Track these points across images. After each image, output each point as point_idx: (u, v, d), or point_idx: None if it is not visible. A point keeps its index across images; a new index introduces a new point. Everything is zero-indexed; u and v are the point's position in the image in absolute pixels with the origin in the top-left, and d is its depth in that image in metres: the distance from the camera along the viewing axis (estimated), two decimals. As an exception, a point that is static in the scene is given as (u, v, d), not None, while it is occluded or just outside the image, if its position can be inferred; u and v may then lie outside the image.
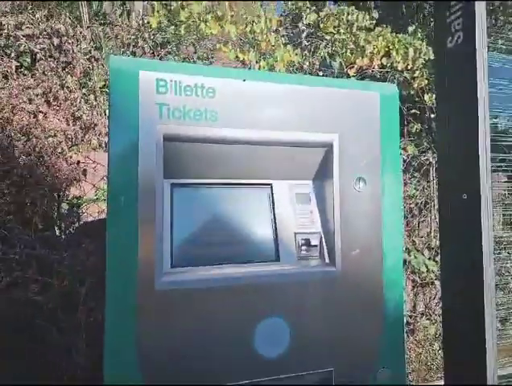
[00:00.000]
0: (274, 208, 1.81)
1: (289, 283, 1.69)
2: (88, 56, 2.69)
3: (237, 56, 4.37)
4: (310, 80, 1.89)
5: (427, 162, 3.65)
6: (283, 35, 5.30)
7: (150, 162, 1.53)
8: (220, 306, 1.60)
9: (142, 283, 1.50)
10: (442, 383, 2.10)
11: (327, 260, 1.79)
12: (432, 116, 4.45)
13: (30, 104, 2.24)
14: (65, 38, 2.39)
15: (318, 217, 1.84)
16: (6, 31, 2.31)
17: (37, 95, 2.23)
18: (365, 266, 1.79)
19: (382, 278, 1.81)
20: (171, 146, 1.58)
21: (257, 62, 4.19)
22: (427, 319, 3.63)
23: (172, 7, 4.49)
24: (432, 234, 3.71)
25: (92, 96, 2.71)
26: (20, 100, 2.24)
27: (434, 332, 3.56)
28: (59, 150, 2.30)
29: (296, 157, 1.79)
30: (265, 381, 1.63)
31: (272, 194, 1.83)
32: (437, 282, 3.60)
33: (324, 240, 1.81)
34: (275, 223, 1.79)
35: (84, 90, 2.86)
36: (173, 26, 4.47)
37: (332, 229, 1.77)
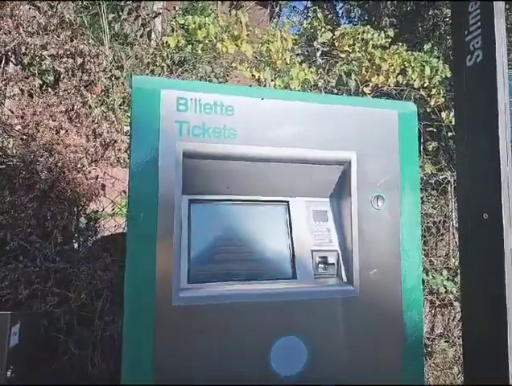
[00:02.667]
0: (290, 225, 1.80)
1: (306, 301, 1.67)
2: (108, 75, 2.78)
3: (252, 74, 4.45)
4: (328, 99, 1.91)
5: (445, 181, 3.60)
6: (298, 54, 5.40)
7: (169, 178, 1.55)
8: (236, 323, 1.58)
9: (159, 298, 1.50)
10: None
11: (344, 279, 1.76)
12: (450, 134, 4.41)
13: (53, 121, 2.32)
14: (88, 57, 2.48)
15: (335, 235, 1.83)
16: (32, 51, 2.42)
17: (60, 112, 2.31)
18: (383, 286, 1.75)
19: (401, 298, 1.77)
20: (190, 163, 1.60)
21: (272, 80, 4.25)
22: (446, 342, 3.50)
23: (190, 27, 4.64)
24: (451, 254, 3.63)
25: (111, 114, 2.79)
26: (43, 117, 2.32)
27: (453, 355, 3.43)
28: (80, 166, 2.36)
29: (314, 174, 1.79)
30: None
31: (289, 211, 1.83)
32: (456, 303, 3.49)
33: (341, 258, 1.79)
34: (292, 240, 1.78)
35: (103, 107, 2.95)
36: (190, 46, 4.60)
37: (350, 247, 1.75)
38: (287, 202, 1.83)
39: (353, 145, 1.78)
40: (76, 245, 2.65)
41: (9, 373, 1.38)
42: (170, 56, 4.31)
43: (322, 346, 1.66)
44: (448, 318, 3.54)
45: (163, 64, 4.05)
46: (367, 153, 1.79)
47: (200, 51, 4.56)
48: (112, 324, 2.37)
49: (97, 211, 2.86)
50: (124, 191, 2.85)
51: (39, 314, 2.05)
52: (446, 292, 3.45)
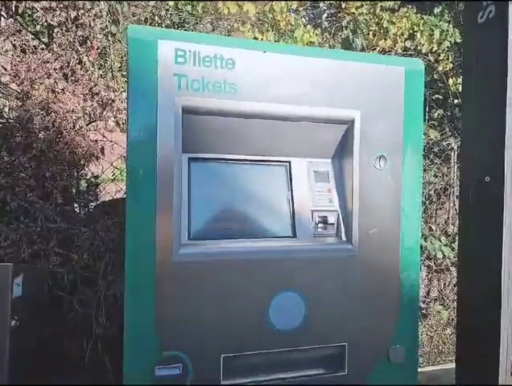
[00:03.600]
0: (291, 186, 1.79)
1: (305, 259, 1.69)
2: (104, 32, 2.67)
3: (255, 37, 4.29)
4: (332, 54, 1.83)
5: (449, 148, 3.55)
6: (303, 16, 5.17)
7: (168, 134, 1.52)
8: (236, 279, 1.61)
9: (160, 254, 1.51)
10: (453, 365, 2.09)
11: (344, 239, 1.77)
12: (456, 101, 4.31)
13: (48, 78, 2.25)
14: (82, 11, 2.37)
15: (336, 195, 1.82)
16: (23, 3, 2.30)
17: (55, 69, 2.23)
18: (382, 245, 1.77)
19: (399, 258, 1.79)
20: (190, 119, 1.57)
21: (275, 42, 4.10)
22: (441, 305, 3.59)
23: (190, -15, 4.41)
24: (450, 221, 3.64)
25: (109, 72, 2.70)
26: (38, 75, 2.25)
27: (447, 317, 3.53)
28: (78, 127, 2.32)
29: (316, 134, 1.75)
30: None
31: (290, 171, 1.80)
32: (453, 268, 3.54)
33: (341, 218, 1.79)
34: (293, 200, 1.77)
35: (101, 71, 2.85)
36: (190, 6, 4.39)
37: (350, 208, 1.74)
38: (289, 162, 1.81)
39: (357, 104, 1.73)
40: (76, 208, 2.65)
41: (13, 322, 1.41)
42: (169, 16, 4.14)
43: (320, 302, 1.69)
44: (444, 283, 3.61)
45: (162, 24, 3.89)
46: (371, 112, 1.74)
47: (200, 11, 4.36)
48: (115, 284, 2.41)
49: (97, 175, 2.84)
50: (123, 156, 2.82)
51: (42, 269, 2.09)
52: (443, 257, 3.49)
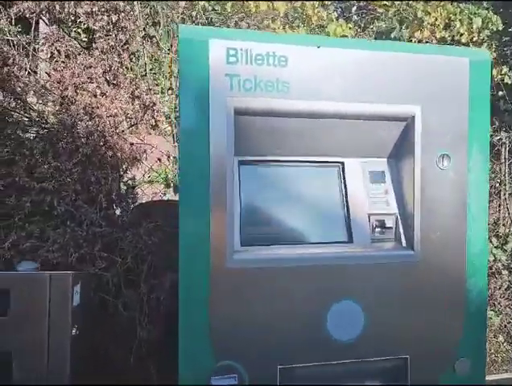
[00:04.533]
0: (345, 188, 1.69)
1: (363, 266, 1.59)
2: (143, 34, 2.66)
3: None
4: (391, 46, 1.72)
5: (499, 143, 3.32)
6: (335, 9, 5.02)
7: (221, 136, 1.46)
8: (290, 286, 1.53)
9: (214, 261, 1.46)
10: (509, 375, 1.93)
11: (404, 244, 1.66)
12: (500, 93, 4.05)
13: (91, 83, 2.25)
14: (123, 14, 2.36)
15: (393, 197, 1.71)
16: (66, 9, 2.32)
17: (98, 74, 2.24)
18: (446, 250, 1.64)
19: (465, 263, 1.66)
20: (241, 120, 1.50)
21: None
22: (492, 310, 3.37)
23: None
24: (501, 221, 3.42)
25: (149, 75, 2.69)
26: (82, 80, 2.26)
27: (498, 324, 3.32)
28: (120, 130, 2.31)
29: (372, 132, 1.65)
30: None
31: (343, 172, 1.71)
32: (505, 272, 3.32)
33: (400, 222, 1.68)
34: (347, 203, 1.68)
35: (141, 70, 2.84)
36: (219, 6, 4.35)
37: (411, 210, 1.63)
38: (342, 163, 1.72)
39: (417, 98, 1.61)
40: (118, 211, 2.66)
41: (74, 331, 1.41)
42: (199, 16, 4.10)
43: (380, 311, 1.59)
44: (495, 287, 3.39)
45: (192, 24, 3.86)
46: (433, 107, 1.62)
47: (228, 10, 4.31)
48: (157, 287, 2.39)
49: (134, 177, 2.84)
50: (159, 159, 2.81)
51: (92, 275, 2.09)
52: (494, 260, 3.28)
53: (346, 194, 1.69)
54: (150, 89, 2.51)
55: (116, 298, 2.37)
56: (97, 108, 2.21)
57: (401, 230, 1.67)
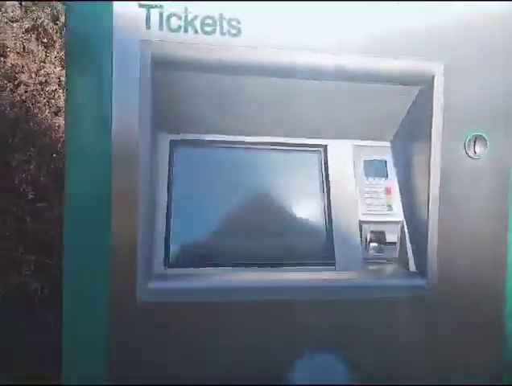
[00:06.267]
0: (328, 183, 1.16)
1: (348, 302, 1.06)
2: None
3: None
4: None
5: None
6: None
7: (130, 102, 0.95)
8: (239, 331, 1.02)
9: (116, 291, 0.95)
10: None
11: (412, 268, 1.13)
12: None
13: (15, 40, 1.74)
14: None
15: (398, 198, 1.17)
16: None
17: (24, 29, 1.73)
18: (475, 280, 1.10)
19: (504, 300, 1.12)
20: (165, 78, 0.99)
21: None
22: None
23: None
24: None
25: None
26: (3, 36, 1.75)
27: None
28: (53, 103, 1.81)
29: (368, 101, 1.11)
30: None
31: (326, 160, 1.18)
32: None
33: (407, 234, 1.15)
34: (329, 205, 1.15)
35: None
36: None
37: (424, 218, 1.09)
38: (325, 146, 1.19)
39: (438, 52, 1.06)
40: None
41: None
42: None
43: (374, 370, 1.06)
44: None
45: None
46: (460, 67, 1.07)
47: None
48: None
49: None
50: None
51: None
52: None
53: (328, 192, 1.16)
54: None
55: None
56: (22, 72, 1.71)
57: (408, 247, 1.14)
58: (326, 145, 1.18)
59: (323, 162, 1.18)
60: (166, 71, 0.99)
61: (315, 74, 1.04)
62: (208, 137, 1.13)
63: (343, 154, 1.18)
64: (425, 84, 1.08)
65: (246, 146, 1.15)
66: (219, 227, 1.13)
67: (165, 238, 1.05)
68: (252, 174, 1.16)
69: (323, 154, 1.18)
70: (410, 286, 1.09)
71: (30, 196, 1.79)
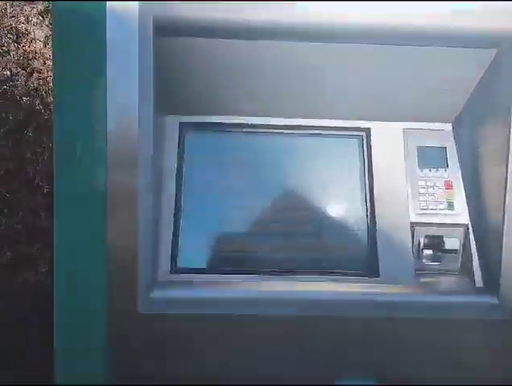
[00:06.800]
0: (371, 176, 0.95)
1: (397, 321, 0.85)
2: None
3: None
4: None
5: None
6: None
7: (127, 79, 0.79)
8: (259, 350, 0.85)
9: (114, 302, 0.81)
10: None
11: (479, 282, 0.90)
12: None
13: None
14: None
15: (463, 195, 0.94)
16: None
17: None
18: None
19: None
20: (171, 47, 0.82)
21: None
22: None
23: None
24: None
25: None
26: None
27: None
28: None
29: (424, 70, 0.87)
30: None
31: (369, 147, 0.97)
32: None
33: (473, 241, 0.91)
34: (373, 203, 0.94)
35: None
36: None
37: (498, 221, 0.85)
38: (367, 130, 0.97)
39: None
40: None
41: None
42: None
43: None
44: None
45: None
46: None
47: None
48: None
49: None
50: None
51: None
52: None
53: (371, 186, 0.94)
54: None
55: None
56: (35, 58, 1.63)
57: (475, 256, 0.91)
58: (369, 129, 0.97)
59: (365, 150, 0.97)
60: (171, 40, 0.81)
61: (357, 37, 0.82)
62: (225, 120, 0.96)
63: (390, 140, 0.96)
64: (502, 46, 0.82)
65: (270, 130, 0.96)
66: (238, 227, 0.96)
67: (173, 240, 0.89)
68: (277, 165, 0.97)
69: (365, 140, 0.97)
70: (479, 303, 0.86)
71: (45, 190, 1.72)
